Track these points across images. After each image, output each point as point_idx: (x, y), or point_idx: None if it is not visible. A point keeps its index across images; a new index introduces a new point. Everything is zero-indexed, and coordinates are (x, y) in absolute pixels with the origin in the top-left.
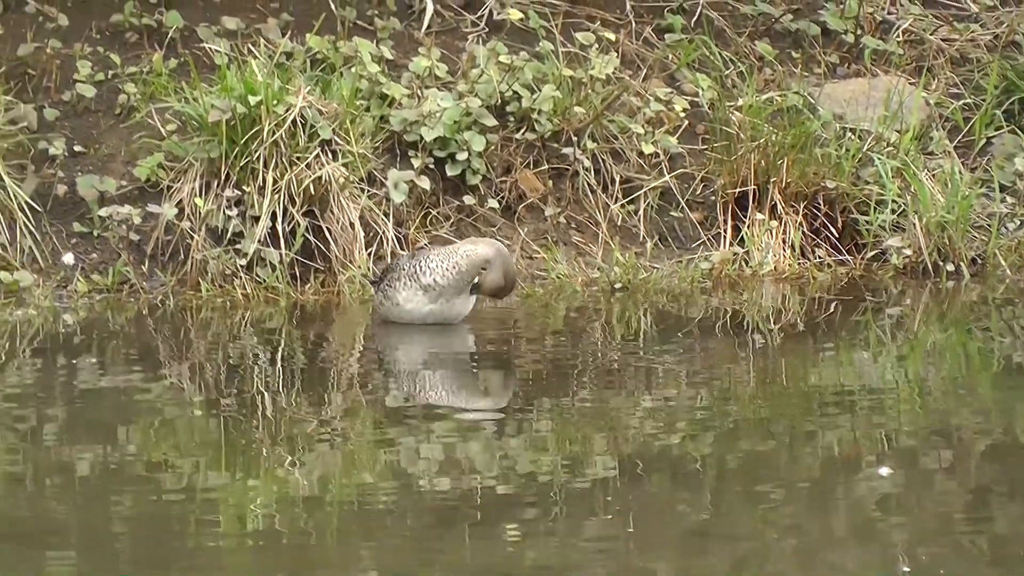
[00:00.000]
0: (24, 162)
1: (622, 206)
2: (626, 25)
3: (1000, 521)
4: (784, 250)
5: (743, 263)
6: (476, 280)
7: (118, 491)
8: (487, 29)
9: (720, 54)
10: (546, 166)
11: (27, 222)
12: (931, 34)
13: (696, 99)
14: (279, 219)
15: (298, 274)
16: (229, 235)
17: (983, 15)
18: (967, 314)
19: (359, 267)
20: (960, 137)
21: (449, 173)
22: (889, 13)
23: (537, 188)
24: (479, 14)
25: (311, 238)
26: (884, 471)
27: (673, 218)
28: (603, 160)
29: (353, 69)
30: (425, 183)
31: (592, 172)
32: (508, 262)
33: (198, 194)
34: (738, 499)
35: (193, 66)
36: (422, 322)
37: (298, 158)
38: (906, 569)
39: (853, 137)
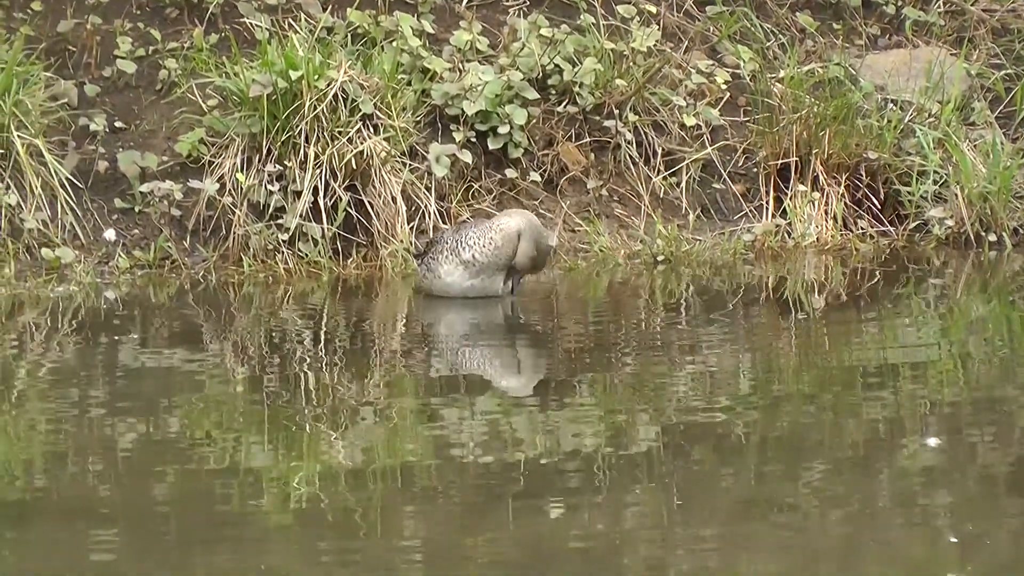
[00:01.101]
0: (65, 138)
1: (664, 178)
2: None
3: None
4: (826, 221)
5: (785, 235)
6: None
7: (162, 468)
8: (528, 2)
9: (761, 26)
10: (588, 139)
11: (68, 198)
12: (972, 4)
13: (738, 71)
14: (321, 194)
15: (340, 249)
16: (271, 210)
17: None
18: (1010, 284)
19: (401, 241)
20: (1001, 108)
21: (491, 147)
22: None
23: (579, 161)
24: None
25: (353, 213)
26: (932, 442)
27: (715, 190)
28: (645, 133)
29: (394, 43)
30: (467, 157)
31: (634, 145)
32: (539, 231)
33: (240, 169)
34: (783, 472)
35: (234, 41)
36: (463, 296)
37: (339, 132)
38: (953, 540)
39: (894, 108)
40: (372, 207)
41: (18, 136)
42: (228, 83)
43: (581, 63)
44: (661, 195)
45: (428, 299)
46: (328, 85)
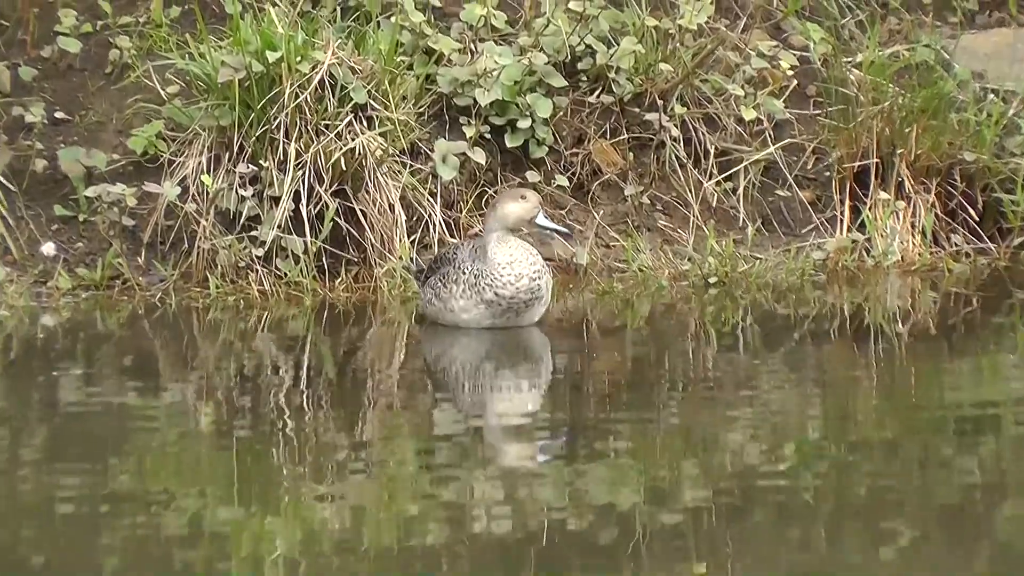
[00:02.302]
0: None
1: (718, 183)
2: None
3: None
4: (913, 236)
5: (863, 252)
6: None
7: (110, 531)
8: None
9: (836, 0)
10: (625, 135)
11: None
12: None
13: (806, 54)
14: (303, 200)
15: (326, 267)
16: (243, 220)
17: None
18: None
19: (400, 258)
20: None
21: (509, 144)
22: None
23: (615, 162)
24: None
25: (342, 223)
26: None
27: (779, 198)
28: (694, 128)
29: (392, 19)
30: (479, 156)
31: (681, 142)
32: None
33: (205, 170)
34: (858, 540)
35: (199, 15)
36: (480, 327)
37: (326, 126)
38: None
39: (996, 99)
40: (365, 216)
41: None
42: (192, 66)
43: (618, 44)
44: (714, 203)
45: (433, 328)
46: (313, 69)
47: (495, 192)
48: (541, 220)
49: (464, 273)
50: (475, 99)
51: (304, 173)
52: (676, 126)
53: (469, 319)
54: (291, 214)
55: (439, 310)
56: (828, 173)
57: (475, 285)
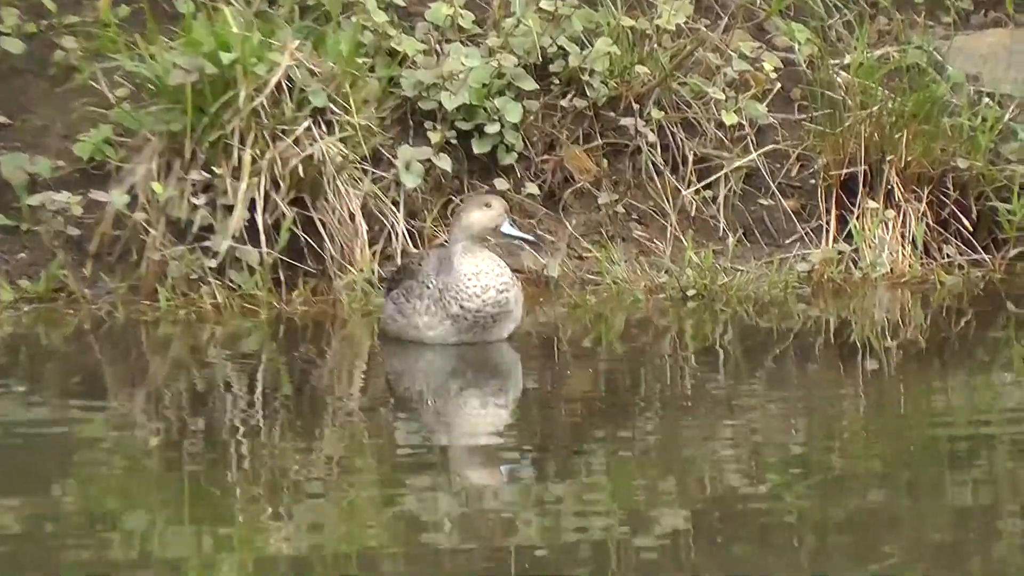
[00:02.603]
0: None
1: (697, 192)
2: None
3: None
4: (903, 247)
5: (851, 264)
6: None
7: (50, 556)
8: None
9: None
10: (600, 141)
11: None
12: None
13: (791, 56)
14: (259, 209)
15: (283, 279)
16: (195, 229)
17: None
18: None
19: (361, 270)
20: None
21: (476, 150)
22: None
23: (588, 169)
24: None
25: (300, 233)
26: None
27: (761, 207)
28: (672, 133)
29: (354, 19)
30: (445, 163)
31: (658, 148)
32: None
33: (155, 177)
34: (845, 569)
35: (150, 15)
36: (446, 343)
37: (283, 131)
38: None
39: (991, 103)
40: (324, 226)
41: None
42: (142, 68)
43: (592, 45)
44: (692, 213)
45: (397, 344)
46: (269, 71)
47: (461, 201)
48: (506, 228)
49: (428, 288)
50: (441, 103)
51: (260, 180)
52: (653, 131)
53: (435, 336)
54: (246, 224)
55: (403, 327)
56: (813, 181)
57: (440, 300)
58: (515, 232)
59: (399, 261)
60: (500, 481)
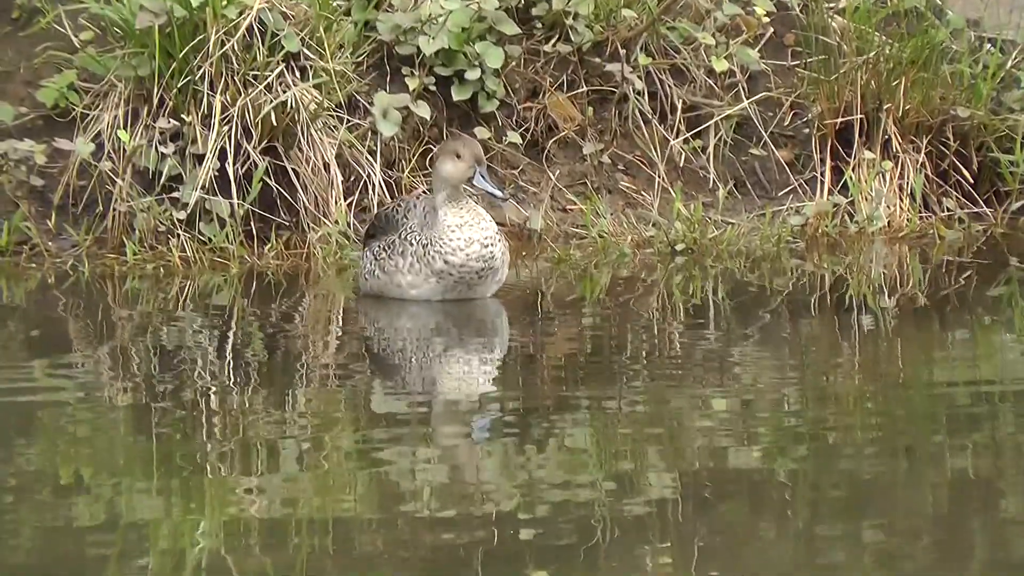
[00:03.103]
0: None
1: (686, 141)
2: None
3: None
4: (901, 200)
5: (846, 217)
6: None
7: (14, 522)
8: None
9: None
10: (584, 88)
11: None
12: None
13: None
14: (230, 159)
15: (255, 231)
16: (163, 180)
17: None
18: None
19: (336, 222)
20: None
21: (456, 97)
22: None
23: (572, 117)
24: None
25: (272, 184)
26: None
27: (753, 157)
28: (660, 80)
29: None
30: (424, 110)
31: (646, 96)
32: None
33: (122, 125)
34: (837, 536)
35: None
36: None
37: (255, 77)
38: None
39: (992, 50)
40: (298, 176)
41: None
42: (108, 10)
43: None
44: (681, 163)
45: (374, 299)
46: (240, 14)
47: (437, 148)
48: (478, 181)
49: (412, 244)
50: (419, 48)
51: (231, 129)
52: (640, 78)
53: (418, 295)
54: (216, 174)
55: (384, 283)
56: (807, 130)
57: (424, 257)
58: (486, 186)
59: (377, 210)
60: (478, 444)
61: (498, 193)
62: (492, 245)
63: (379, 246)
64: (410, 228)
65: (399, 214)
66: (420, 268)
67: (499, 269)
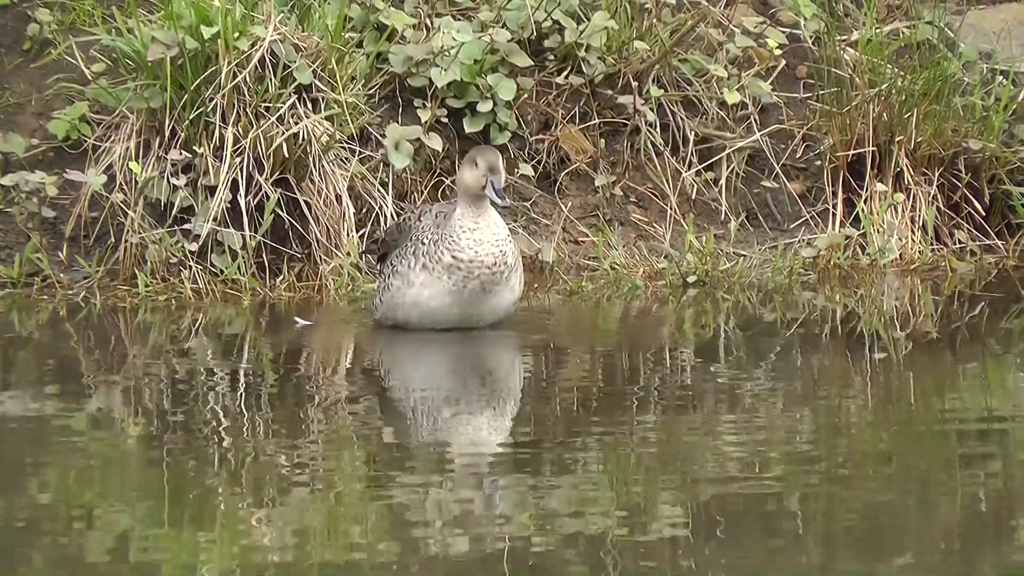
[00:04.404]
0: None
1: (698, 173)
2: None
3: None
4: (913, 232)
5: (858, 250)
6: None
7: (26, 558)
8: None
9: None
10: (596, 120)
11: None
12: None
13: (796, 31)
14: (242, 191)
15: (267, 263)
16: (175, 211)
17: None
18: None
19: (348, 254)
20: None
21: (468, 129)
22: None
23: (585, 149)
24: None
25: (284, 215)
26: None
27: (765, 189)
28: (672, 112)
29: None
30: (436, 142)
31: (658, 128)
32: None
33: (134, 157)
34: (852, 571)
35: None
36: (443, 324)
37: (267, 109)
38: None
39: (1005, 82)
40: (310, 208)
41: None
42: (120, 42)
43: (588, 19)
44: (693, 195)
45: (385, 333)
46: (252, 46)
47: (452, 182)
48: (489, 192)
49: (424, 244)
50: (431, 80)
51: (242, 160)
52: (652, 110)
53: (430, 296)
54: (228, 205)
55: (394, 296)
56: (819, 162)
57: (434, 253)
58: (495, 199)
59: (388, 225)
60: (490, 479)
61: (498, 200)
62: (503, 244)
63: (391, 256)
64: (423, 228)
65: (412, 219)
66: (432, 266)
67: (512, 271)
